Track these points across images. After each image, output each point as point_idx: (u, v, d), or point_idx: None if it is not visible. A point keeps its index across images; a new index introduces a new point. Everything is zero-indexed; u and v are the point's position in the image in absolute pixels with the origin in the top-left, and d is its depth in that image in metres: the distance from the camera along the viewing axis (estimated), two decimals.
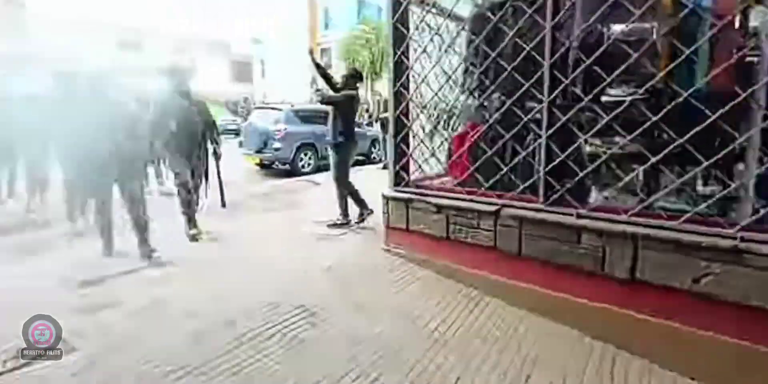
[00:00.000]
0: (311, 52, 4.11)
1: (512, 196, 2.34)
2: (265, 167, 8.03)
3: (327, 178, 7.14)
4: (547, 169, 2.18)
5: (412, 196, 2.77)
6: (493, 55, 2.39)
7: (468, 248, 2.49)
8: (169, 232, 3.40)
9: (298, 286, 2.49)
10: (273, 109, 8.25)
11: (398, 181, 2.91)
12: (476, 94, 2.74)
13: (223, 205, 4.08)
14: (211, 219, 3.80)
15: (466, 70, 2.77)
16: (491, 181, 2.42)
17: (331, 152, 3.82)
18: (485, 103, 2.67)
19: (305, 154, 7.94)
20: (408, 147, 2.90)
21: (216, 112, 8.88)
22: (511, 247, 2.30)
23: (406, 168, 2.92)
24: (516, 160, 2.37)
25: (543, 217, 2.17)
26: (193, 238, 3.39)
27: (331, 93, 3.85)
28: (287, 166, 7.72)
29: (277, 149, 7.54)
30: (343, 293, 2.42)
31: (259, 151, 7.69)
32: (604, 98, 2.22)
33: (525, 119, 2.26)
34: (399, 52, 2.78)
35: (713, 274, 1.70)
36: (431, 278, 2.61)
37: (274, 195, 5.82)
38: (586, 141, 2.30)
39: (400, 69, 2.82)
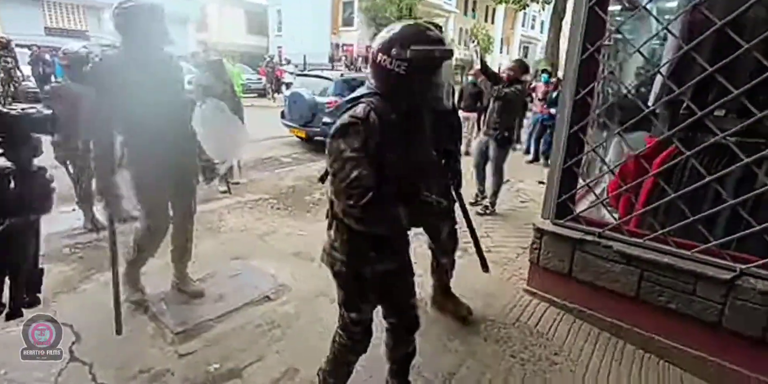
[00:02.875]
0: (475, 37, 3.44)
1: (758, 262, 1.77)
2: (309, 141, 7.40)
3: None
4: None
5: (585, 237, 2.21)
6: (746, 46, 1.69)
7: (672, 318, 1.97)
8: None
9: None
10: (319, 77, 7.42)
11: (561, 213, 2.33)
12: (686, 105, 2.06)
13: None
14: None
15: (675, 70, 2.09)
16: (728, 238, 1.84)
17: (491, 144, 3.79)
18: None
19: None
20: (578, 169, 2.28)
21: (238, 72, 8.09)
22: (752, 331, 1.77)
23: (573, 198, 2.33)
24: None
25: None
26: None
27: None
28: (322, 138, 7.04)
29: (326, 124, 6.84)
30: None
31: (305, 125, 7.01)
32: None
33: None
34: (592, 49, 2.06)
35: None
36: (616, 347, 2.11)
37: None
38: None
39: (588, 71, 2.12)
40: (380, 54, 1.14)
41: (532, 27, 33.45)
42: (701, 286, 1.87)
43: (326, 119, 6.83)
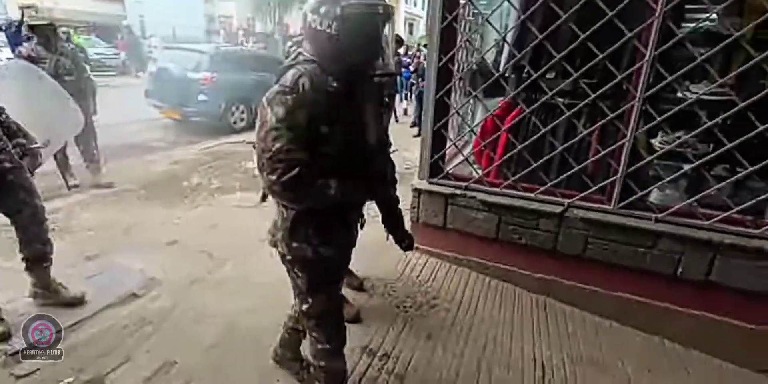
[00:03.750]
0: None
1: (577, 196, 2.20)
2: (185, 122, 6.65)
3: None
4: (629, 170, 2.03)
5: (455, 191, 2.46)
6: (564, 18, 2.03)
7: (524, 251, 2.35)
8: None
9: None
10: (191, 50, 6.67)
11: (434, 172, 2.55)
12: (527, 70, 2.37)
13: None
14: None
15: (517, 38, 2.38)
16: (557, 179, 2.23)
17: None
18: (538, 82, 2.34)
19: (237, 109, 6.77)
20: (447, 132, 2.51)
21: (81, 42, 6.72)
22: (575, 250, 2.21)
23: (443, 158, 2.55)
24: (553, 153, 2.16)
25: (616, 220, 2.09)
26: None
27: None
28: (201, 118, 6.36)
29: (202, 102, 6.25)
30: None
31: (177, 104, 6.27)
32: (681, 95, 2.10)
33: (611, 116, 2.03)
34: (450, 18, 2.24)
35: None
36: (483, 283, 2.44)
37: (214, 164, 4.87)
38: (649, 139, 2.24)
39: (449, 40, 2.30)
40: (310, 14, 1.01)
41: (415, 4, 34.50)
42: (542, 221, 2.26)
43: (203, 97, 6.23)
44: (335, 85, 1.05)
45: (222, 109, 6.43)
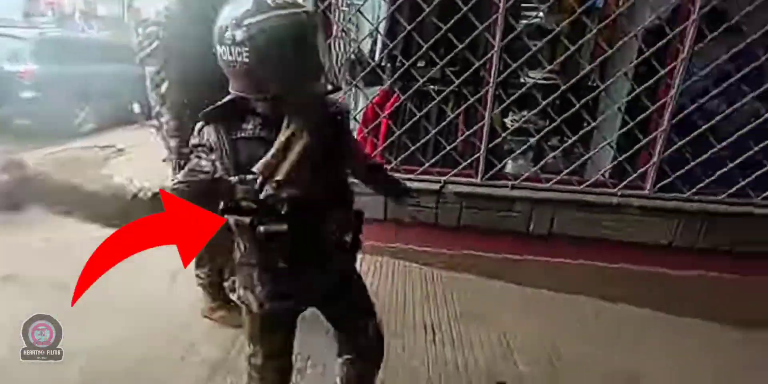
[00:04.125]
0: None
1: (451, 173, 2.44)
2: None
3: (129, 140, 5.40)
4: (490, 146, 2.34)
5: None
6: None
7: (408, 227, 2.51)
8: None
9: None
10: (4, 36, 5.33)
11: None
12: (400, 59, 2.53)
13: None
14: None
15: (390, 30, 2.52)
16: (433, 160, 2.44)
17: None
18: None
19: (81, 108, 5.68)
20: None
21: None
22: (452, 222, 2.46)
23: None
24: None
25: (483, 191, 2.39)
26: None
27: None
28: (28, 121, 5.17)
29: (28, 101, 5.08)
30: None
31: None
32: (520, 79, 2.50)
33: (473, 101, 2.30)
34: (322, 6, 2.25)
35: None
36: (374, 262, 2.52)
37: (55, 175, 4.00)
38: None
39: (324, 29, 2.30)
40: (217, 45, 0.83)
41: None
42: (424, 198, 2.45)
43: (29, 94, 5.06)
44: (248, 128, 0.89)
45: (60, 107, 5.33)
